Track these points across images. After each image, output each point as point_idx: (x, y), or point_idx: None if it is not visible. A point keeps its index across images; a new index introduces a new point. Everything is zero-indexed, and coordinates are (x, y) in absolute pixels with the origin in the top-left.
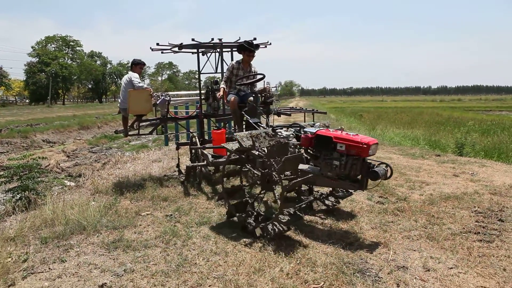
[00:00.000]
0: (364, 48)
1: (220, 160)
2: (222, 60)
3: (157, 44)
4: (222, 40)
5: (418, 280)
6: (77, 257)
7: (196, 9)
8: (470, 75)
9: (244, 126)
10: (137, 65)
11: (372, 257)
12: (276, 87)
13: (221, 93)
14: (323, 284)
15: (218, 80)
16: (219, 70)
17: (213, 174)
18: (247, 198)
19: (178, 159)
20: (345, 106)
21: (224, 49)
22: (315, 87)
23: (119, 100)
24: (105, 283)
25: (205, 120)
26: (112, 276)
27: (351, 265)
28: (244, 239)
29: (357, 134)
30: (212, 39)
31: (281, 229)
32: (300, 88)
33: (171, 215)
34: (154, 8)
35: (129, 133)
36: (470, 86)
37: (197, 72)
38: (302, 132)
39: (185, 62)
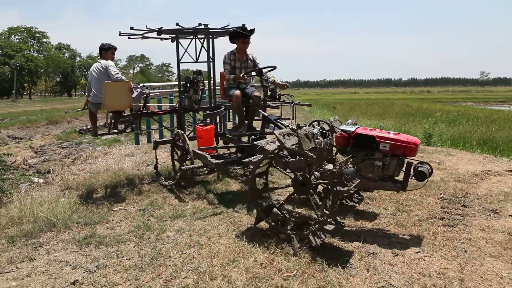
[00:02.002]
0: (337, 41)
1: (251, 159)
2: (209, 48)
3: (131, 28)
4: (209, 25)
5: (387, 264)
6: (47, 255)
7: (170, 3)
8: (438, 67)
9: (247, 122)
10: (108, 50)
11: (344, 245)
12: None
13: (240, 75)
14: (296, 272)
15: (201, 70)
16: (202, 59)
17: (206, 175)
18: (273, 202)
19: (156, 159)
20: (318, 98)
21: (200, 36)
22: (289, 80)
23: (89, 94)
24: (77, 280)
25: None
26: (84, 272)
27: (324, 253)
28: (219, 232)
29: (399, 133)
30: (200, 24)
31: (323, 238)
32: (274, 80)
33: (144, 209)
34: (126, 0)
35: (99, 132)
36: (438, 78)
37: (173, 63)
38: (338, 130)
39: (158, 55)
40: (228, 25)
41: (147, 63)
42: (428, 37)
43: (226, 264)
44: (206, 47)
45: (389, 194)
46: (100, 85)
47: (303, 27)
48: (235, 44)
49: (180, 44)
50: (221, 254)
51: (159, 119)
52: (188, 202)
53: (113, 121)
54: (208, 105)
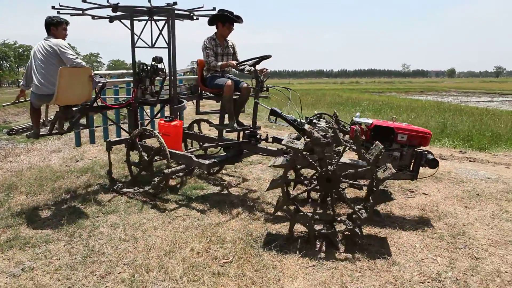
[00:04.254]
0: (271, 32)
1: (280, 161)
2: (173, 31)
3: (84, 0)
4: (174, 4)
5: (318, 244)
6: None
7: None
8: (366, 59)
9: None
10: (59, 26)
11: (278, 229)
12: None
13: (234, 63)
14: (232, 258)
15: (162, 57)
16: (160, 43)
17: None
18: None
19: (110, 163)
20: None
21: (156, 18)
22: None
23: (30, 82)
24: None
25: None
26: (7, 277)
27: (259, 238)
28: (154, 224)
29: (409, 124)
30: (176, 2)
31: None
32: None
33: (74, 206)
34: None
35: (41, 132)
36: (366, 69)
37: (102, 53)
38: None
39: (83, 44)
40: (201, 7)
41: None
42: (358, 30)
43: (163, 255)
44: (172, 30)
45: None
46: (49, 71)
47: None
48: (215, 28)
49: (125, 25)
50: (157, 246)
51: (104, 114)
52: (122, 196)
53: (58, 117)
54: (163, 98)
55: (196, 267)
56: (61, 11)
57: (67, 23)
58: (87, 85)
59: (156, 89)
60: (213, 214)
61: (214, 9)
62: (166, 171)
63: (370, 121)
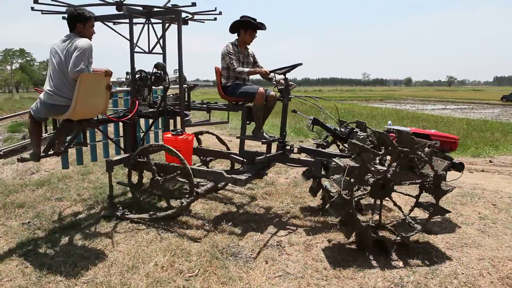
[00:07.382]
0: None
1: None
2: (180, 34)
3: None
4: (180, 6)
5: (284, 254)
6: None
7: None
8: (328, 68)
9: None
10: (87, 22)
11: (244, 240)
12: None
13: (266, 70)
14: (197, 272)
15: (164, 64)
16: (153, 50)
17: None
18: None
19: (111, 186)
20: (217, 98)
21: (153, 20)
22: (189, 78)
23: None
24: None
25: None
26: None
27: (224, 250)
28: (116, 239)
29: (437, 131)
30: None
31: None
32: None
33: (29, 222)
34: None
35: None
36: (328, 78)
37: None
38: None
39: (39, 50)
40: (214, 10)
41: (28, 58)
42: (320, 39)
43: (125, 271)
44: (178, 34)
45: (285, 189)
46: (62, 76)
47: (210, 26)
48: (237, 36)
49: (110, 27)
50: (119, 262)
51: (103, 129)
52: (83, 211)
53: (60, 134)
54: (160, 110)
55: (161, 282)
56: (46, 8)
57: (95, 18)
58: (105, 95)
59: (154, 100)
60: (178, 226)
61: (220, 13)
62: (199, 190)
63: (408, 129)
